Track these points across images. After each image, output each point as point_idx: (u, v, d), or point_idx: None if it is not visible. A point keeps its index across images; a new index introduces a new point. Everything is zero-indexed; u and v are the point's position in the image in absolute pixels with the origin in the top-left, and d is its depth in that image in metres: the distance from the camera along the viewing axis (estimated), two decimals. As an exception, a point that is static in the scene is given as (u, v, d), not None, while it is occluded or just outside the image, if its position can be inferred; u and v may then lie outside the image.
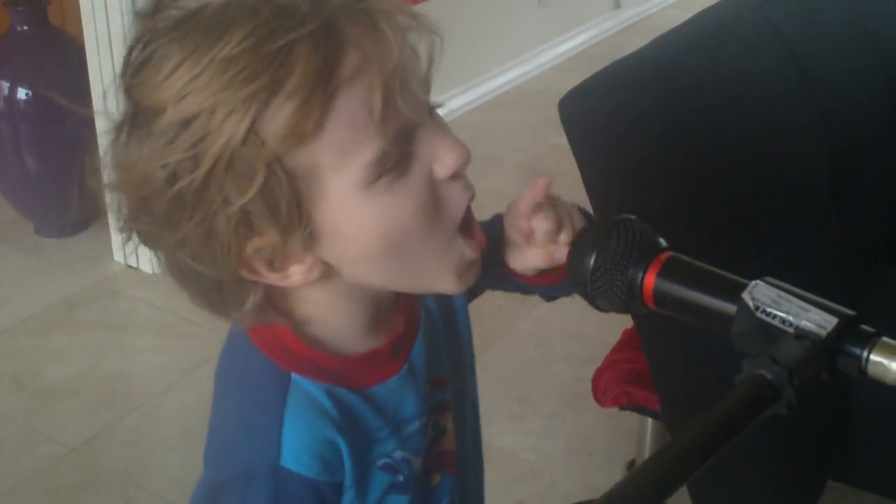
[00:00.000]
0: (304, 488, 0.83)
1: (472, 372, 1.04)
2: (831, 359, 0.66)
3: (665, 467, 0.58)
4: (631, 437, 2.09)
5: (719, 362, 0.75)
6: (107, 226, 3.01)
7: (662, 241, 0.76)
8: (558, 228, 0.91)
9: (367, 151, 0.76)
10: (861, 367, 0.65)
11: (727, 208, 1.63)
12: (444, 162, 0.80)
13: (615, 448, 2.28)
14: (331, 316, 0.86)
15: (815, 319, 0.66)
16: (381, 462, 0.89)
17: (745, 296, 0.69)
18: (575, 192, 1.60)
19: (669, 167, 1.56)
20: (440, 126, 0.82)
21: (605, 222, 0.78)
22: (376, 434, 0.88)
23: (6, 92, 2.93)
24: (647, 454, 1.95)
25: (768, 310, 0.68)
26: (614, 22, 4.86)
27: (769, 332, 0.67)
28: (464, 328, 1.03)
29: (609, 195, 1.54)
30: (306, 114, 0.73)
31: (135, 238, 0.82)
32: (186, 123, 0.74)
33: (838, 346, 0.66)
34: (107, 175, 0.80)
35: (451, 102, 3.75)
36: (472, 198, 0.83)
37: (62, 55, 2.98)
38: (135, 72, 0.78)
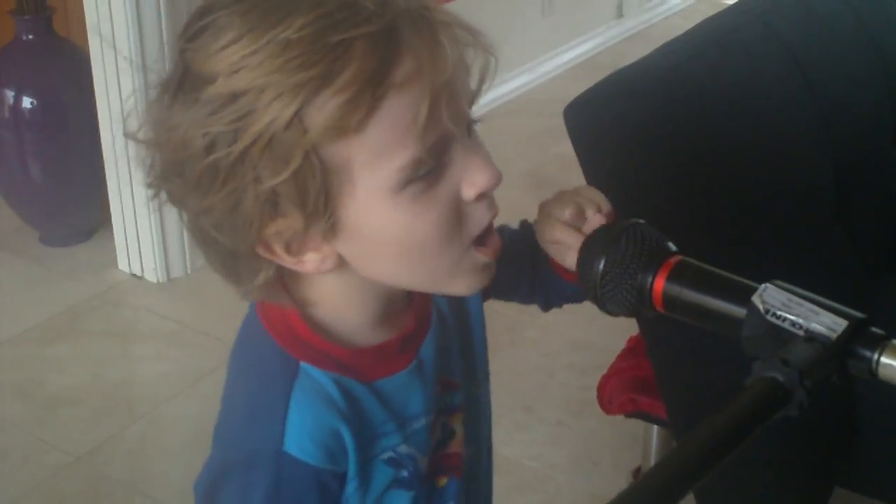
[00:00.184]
0: (306, 475, 0.84)
1: (486, 379, 1.04)
2: (842, 361, 0.66)
3: (677, 469, 0.58)
4: (636, 444, 2.09)
5: (725, 368, 0.75)
6: (111, 235, 3.01)
7: (671, 246, 0.77)
8: (582, 213, 0.93)
9: (403, 156, 0.77)
10: (872, 369, 0.66)
11: (731, 215, 1.63)
12: (473, 182, 0.81)
13: (620, 456, 2.27)
14: (342, 306, 0.87)
15: (826, 322, 0.67)
16: (385, 456, 0.89)
17: (756, 299, 0.69)
18: (580, 198, 1.61)
19: (674, 174, 1.56)
20: (475, 144, 0.83)
21: (614, 227, 0.78)
22: (382, 427, 0.89)
23: (11, 101, 2.93)
24: (652, 462, 1.95)
25: (778, 313, 0.68)
26: (618, 31, 4.86)
27: (779, 335, 0.67)
28: (478, 334, 1.04)
29: (614, 202, 1.54)
30: (352, 111, 0.74)
31: (162, 196, 0.83)
32: (234, 97, 0.75)
33: (849, 349, 0.66)
34: (144, 131, 0.81)
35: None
36: (494, 216, 0.84)
37: (67, 64, 2.99)
38: (192, 36, 0.78)
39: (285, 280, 0.86)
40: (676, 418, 1.66)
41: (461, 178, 0.80)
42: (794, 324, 0.67)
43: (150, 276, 2.96)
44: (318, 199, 0.77)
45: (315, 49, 0.73)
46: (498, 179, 0.81)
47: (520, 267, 1.08)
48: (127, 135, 0.82)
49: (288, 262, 0.82)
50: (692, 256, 0.76)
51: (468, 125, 0.82)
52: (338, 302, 0.87)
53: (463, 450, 0.99)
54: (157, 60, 0.84)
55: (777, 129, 1.77)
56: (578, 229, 0.92)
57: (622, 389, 1.82)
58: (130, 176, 2.87)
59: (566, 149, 1.54)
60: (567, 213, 0.94)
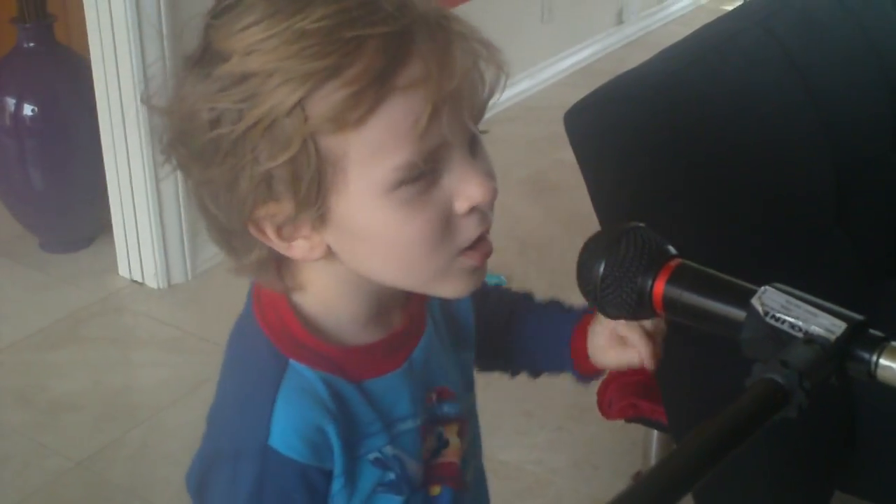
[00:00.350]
0: (291, 471, 0.85)
1: (472, 388, 1.05)
2: (841, 363, 0.66)
3: (676, 470, 0.58)
4: (636, 449, 2.09)
5: (726, 373, 0.75)
6: (111, 241, 3.02)
7: (671, 249, 0.77)
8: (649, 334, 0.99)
9: (397, 158, 0.78)
10: (870, 371, 0.66)
11: (731, 220, 1.64)
12: (466, 195, 0.81)
13: (621, 460, 2.28)
14: (332, 299, 0.89)
15: (825, 324, 0.67)
16: (371, 456, 0.90)
17: (755, 301, 0.70)
18: (581, 205, 1.61)
19: (673, 179, 1.56)
20: (477, 157, 0.83)
21: (614, 230, 0.78)
22: (368, 427, 0.89)
23: (12, 108, 2.94)
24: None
25: (778, 315, 0.68)
26: (617, 37, 4.87)
27: (779, 338, 0.68)
28: (469, 345, 1.04)
29: (614, 207, 1.55)
30: (353, 106, 0.76)
31: (172, 163, 0.85)
32: (244, 78, 0.77)
33: (848, 351, 0.66)
34: (159, 98, 0.83)
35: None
36: (486, 230, 0.84)
37: (68, 72, 3.00)
38: (219, 13, 0.80)
39: (280, 266, 0.87)
40: (677, 423, 1.67)
41: (455, 189, 0.81)
42: (793, 326, 0.67)
43: (151, 283, 2.96)
44: (311, 187, 0.78)
45: (328, 41, 0.75)
46: (492, 196, 0.82)
47: (488, 333, 1.09)
48: (144, 99, 0.84)
49: (278, 245, 0.83)
50: (693, 260, 0.77)
51: (471, 138, 0.82)
52: (328, 294, 0.88)
53: (458, 460, 0.99)
54: (158, 64, 0.85)
55: (777, 135, 1.78)
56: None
57: (622, 394, 1.82)
58: (131, 182, 2.87)
59: (566, 155, 1.55)
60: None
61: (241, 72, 0.77)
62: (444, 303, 0.99)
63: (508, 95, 4.12)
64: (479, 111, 0.83)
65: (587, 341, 1.05)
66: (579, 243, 0.81)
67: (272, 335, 0.88)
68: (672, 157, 1.56)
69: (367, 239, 0.82)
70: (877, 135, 2.11)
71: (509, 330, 1.12)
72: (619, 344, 1.01)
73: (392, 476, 0.91)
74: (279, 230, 0.82)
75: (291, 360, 0.87)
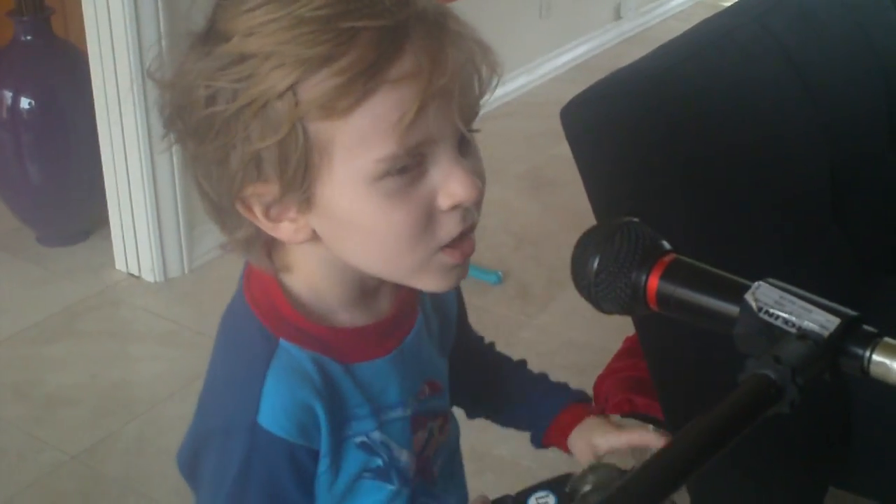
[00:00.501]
0: (278, 448, 0.86)
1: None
2: (834, 359, 0.66)
3: (668, 465, 0.58)
4: (632, 445, 2.09)
5: (722, 369, 0.75)
6: (108, 235, 3.02)
7: (665, 244, 0.77)
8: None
9: (381, 150, 0.79)
10: (863, 367, 0.66)
11: (727, 215, 1.64)
12: (449, 193, 0.82)
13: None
14: (319, 281, 0.90)
15: (818, 320, 0.67)
16: (357, 439, 0.91)
17: (748, 297, 0.70)
18: (578, 200, 1.61)
19: (670, 174, 1.56)
20: (467, 157, 0.84)
21: (608, 225, 0.78)
22: (355, 410, 0.91)
23: (9, 101, 2.93)
24: (648, 462, 1.95)
25: (771, 310, 0.68)
26: (615, 33, 4.87)
27: (772, 333, 0.68)
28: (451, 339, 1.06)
29: (611, 202, 1.55)
30: (343, 95, 0.77)
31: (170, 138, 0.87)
32: (242, 58, 0.78)
33: (841, 346, 0.66)
34: (162, 73, 0.85)
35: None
36: (470, 228, 0.85)
37: (66, 65, 2.99)
38: None
39: (270, 247, 0.89)
40: (673, 418, 1.67)
41: (440, 185, 0.82)
42: (786, 321, 0.67)
43: (148, 276, 2.96)
44: (297, 170, 0.80)
45: (325, 30, 0.77)
46: (475, 195, 0.83)
47: (470, 381, 1.12)
48: (148, 73, 0.86)
49: (264, 225, 0.85)
50: (688, 256, 0.77)
51: (460, 137, 0.83)
52: (315, 277, 0.90)
53: (432, 454, 1.00)
54: (156, 60, 0.85)
55: (774, 131, 1.78)
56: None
57: (618, 389, 1.83)
58: (128, 176, 2.87)
59: (564, 150, 1.55)
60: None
61: (240, 52, 0.78)
62: (434, 297, 1.00)
63: (506, 91, 4.12)
64: (470, 111, 0.83)
65: (574, 427, 1.11)
66: (576, 239, 0.81)
67: (262, 316, 0.89)
68: (668, 152, 1.56)
69: (349, 226, 0.83)
70: (873, 131, 2.11)
71: (496, 371, 1.17)
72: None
73: (379, 462, 0.92)
74: (266, 210, 0.84)
75: (281, 340, 0.88)
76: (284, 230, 0.85)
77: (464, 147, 0.84)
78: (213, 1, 0.83)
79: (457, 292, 1.07)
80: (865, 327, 0.67)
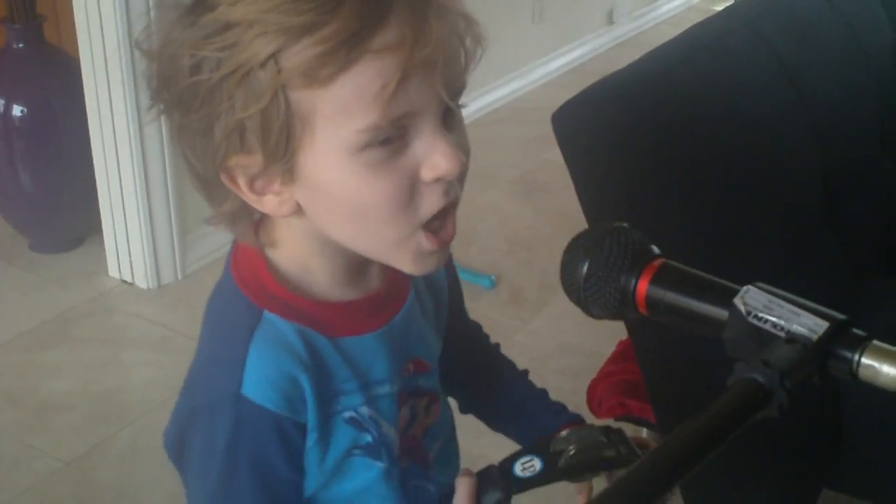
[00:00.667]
0: (265, 420, 0.86)
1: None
2: (823, 362, 0.66)
3: (657, 469, 0.58)
4: (626, 449, 2.08)
5: (714, 372, 0.75)
6: (101, 241, 3.01)
7: (655, 249, 0.77)
8: None
9: (363, 120, 0.79)
10: (852, 370, 0.66)
11: (720, 220, 1.64)
12: (432, 165, 0.82)
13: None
14: (305, 255, 0.90)
15: (807, 324, 0.67)
16: (346, 414, 0.91)
17: (737, 301, 0.70)
18: (571, 205, 1.61)
19: (661, 179, 1.56)
20: (452, 131, 0.84)
21: (597, 230, 0.78)
22: (343, 385, 0.90)
23: (2, 109, 2.93)
24: (642, 466, 1.95)
25: (760, 314, 0.68)
26: (608, 38, 4.88)
27: (761, 337, 0.68)
28: (443, 330, 1.06)
29: (603, 207, 1.55)
30: (324, 63, 0.77)
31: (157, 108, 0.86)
32: (227, 27, 0.78)
33: (830, 350, 0.66)
34: (149, 43, 0.85)
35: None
36: (451, 203, 0.85)
37: (58, 72, 2.99)
38: None
39: (257, 223, 0.90)
40: (665, 422, 1.67)
41: (423, 158, 0.82)
42: (775, 325, 0.67)
43: (141, 283, 2.96)
44: (280, 139, 0.80)
45: None
46: (458, 167, 0.82)
47: (461, 368, 1.11)
48: (136, 43, 0.86)
49: (249, 198, 0.85)
50: (681, 261, 0.77)
51: (446, 110, 0.83)
52: (301, 251, 0.90)
53: (420, 435, 1.00)
54: (144, 31, 0.85)
55: (766, 135, 1.78)
56: None
57: (612, 393, 1.83)
58: (121, 183, 2.87)
59: (556, 155, 1.55)
60: None
61: (225, 20, 0.78)
62: (427, 277, 1.00)
63: (499, 95, 4.13)
64: (455, 84, 0.83)
65: None
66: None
67: (247, 290, 0.89)
68: (660, 157, 1.56)
69: (331, 198, 0.83)
70: (866, 135, 2.12)
71: (490, 365, 1.17)
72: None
73: (369, 439, 0.92)
74: (251, 183, 0.84)
75: (265, 312, 0.88)
76: (269, 203, 0.85)
77: (449, 120, 0.83)
78: None
79: (449, 276, 1.07)
80: (854, 330, 0.67)
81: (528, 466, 0.99)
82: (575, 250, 0.78)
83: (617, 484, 0.57)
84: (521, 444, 1.15)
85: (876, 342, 0.66)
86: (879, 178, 2.14)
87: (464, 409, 1.19)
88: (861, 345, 0.66)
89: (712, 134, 1.66)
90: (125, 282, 2.99)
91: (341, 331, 0.91)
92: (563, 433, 1.01)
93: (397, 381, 0.95)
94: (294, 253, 0.90)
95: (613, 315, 0.77)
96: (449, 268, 1.06)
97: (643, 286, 0.74)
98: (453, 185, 0.84)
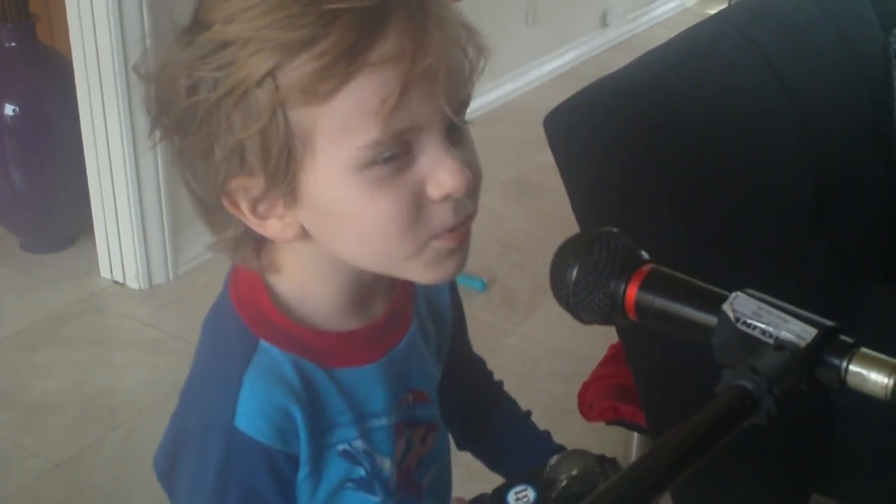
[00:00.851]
0: (256, 453, 0.85)
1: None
2: (811, 369, 0.66)
3: (644, 476, 0.58)
4: (617, 451, 2.08)
5: (705, 377, 0.75)
6: (93, 242, 3.01)
7: (644, 254, 0.77)
8: None
9: (365, 136, 0.77)
10: (840, 377, 0.66)
11: (711, 224, 1.64)
12: (438, 182, 0.80)
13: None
14: (309, 282, 0.88)
15: (795, 330, 0.67)
16: (340, 447, 0.90)
17: (726, 307, 0.70)
18: (564, 207, 1.61)
19: (654, 183, 1.56)
20: (459, 146, 0.82)
21: (587, 235, 0.78)
22: (337, 417, 0.89)
23: (-6, 108, 2.93)
24: (632, 470, 1.95)
25: (748, 321, 0.68)
26: (601, 41, 4.88)
27: (749, 343, 0.68)
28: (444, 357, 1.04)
29: (594, 211, 1.55)
30: (323, 79, 0.75)
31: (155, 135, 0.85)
32: (223, 46, 0.77)
33: (818, 357, 0.66)
34: (146, 67, 0.84)
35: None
36: (461, 222, 0.83)
37: (50, 72, 2.98)
38: None
39: (259, 247, 0.88)
40: (656, 426, 1.67)
41: (428, 174, 0.80)
42: (763, 332, 0.67)
43: (133, 284, 2.95)
44: (280, 159, 0.78)
45: (305, 13, 0.75)
46: (465, 184, 0.80)
47: (459, 399, 1.10)
48: (134, 68, 0.85)
49: (252, 222, 0.83)
50: (672, 265, 0.77)
51: (450, 125, 0.80)
52: (305, 277, 0.88)
53: (415, 465, 0.98)
54: (141, 56, 0.85)
55: (758, 139, 1.78)
56: None
57: (603, 397, 1.83)
58: (113, 183, 2.86)
59: (549, 157, 1.55)
60: None
61: (221, 40, 0.77)
62: (430, 300, 0.99)
63: (493, 98, 4.13)
64: (458, 95, 0.81)
65: None
66: (562, 246, 0.80)
67: (245, 315, 0.88)
68: (652, 161, 1.56)
69: (336, 217, 0.81)
70: (857, 140, 2.12)
71: (489, 401, 1.16)
72: None
73: (362, 472, 0.91)
74: (254, 207, 0.82)
75: (262, 341, 0.86)
76: (272, 227, 0.83)
77: (454, 136, 0.81)
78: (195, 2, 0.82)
79: (453, 301, 1.05)
80: (842, 338, 0.67)
81: (521, 496, 0.98)
82: (564, 255, 0.78)
83: (604, 490, 0.56)
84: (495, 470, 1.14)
85: (864, 350, 0.66)
86: (871, 183, 2.14)
87: (461, 446, 1.18)
88: (849, 352, 0.66)
89: (704, 138, 1.66)
90: (117, 282, 2.98)
91: (339, 361, 0.89)
92: (556, 459, 1.00)
93: (395, 412, 0.93)
94: (296, 279, 0.88)
95: (603, 320, 0.77)
96: (453, 292, 1.05)
97: (632, 292, 0.74)
98: (462, 202, 0.82)
